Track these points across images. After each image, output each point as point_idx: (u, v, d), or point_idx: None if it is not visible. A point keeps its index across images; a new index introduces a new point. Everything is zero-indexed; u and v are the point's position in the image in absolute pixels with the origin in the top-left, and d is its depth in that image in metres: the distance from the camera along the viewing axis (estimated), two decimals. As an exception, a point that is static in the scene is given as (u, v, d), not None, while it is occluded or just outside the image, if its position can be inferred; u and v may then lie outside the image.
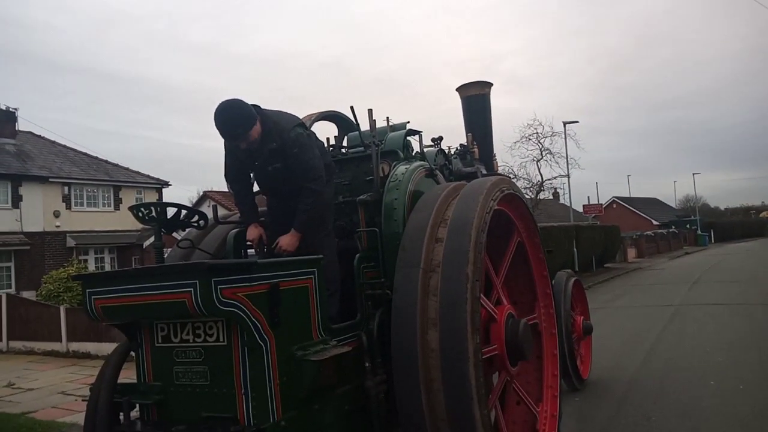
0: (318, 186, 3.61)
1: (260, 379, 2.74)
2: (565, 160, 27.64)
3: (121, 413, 3.07)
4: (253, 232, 3.86)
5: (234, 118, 3.45)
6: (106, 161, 26.85)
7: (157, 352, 3.06)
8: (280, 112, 3.77)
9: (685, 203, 75.15)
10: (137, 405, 3.11)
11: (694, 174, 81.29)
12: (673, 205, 70.65)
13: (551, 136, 28.05)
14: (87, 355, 11.54)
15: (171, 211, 3.42)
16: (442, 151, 5.29)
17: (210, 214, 4.21)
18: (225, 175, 3.97)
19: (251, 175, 3.95)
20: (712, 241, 52.34)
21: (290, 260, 3.21)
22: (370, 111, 4.27)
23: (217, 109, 3.43)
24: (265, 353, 2.77)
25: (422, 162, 4.46)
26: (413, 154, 4.77)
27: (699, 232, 51.52)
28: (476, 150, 6.12)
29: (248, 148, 3.60)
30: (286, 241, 3.61)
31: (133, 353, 3.19)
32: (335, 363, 3.04)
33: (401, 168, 4.18)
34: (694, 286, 17.15)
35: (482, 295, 3.55)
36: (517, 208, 4.40)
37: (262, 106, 3.71)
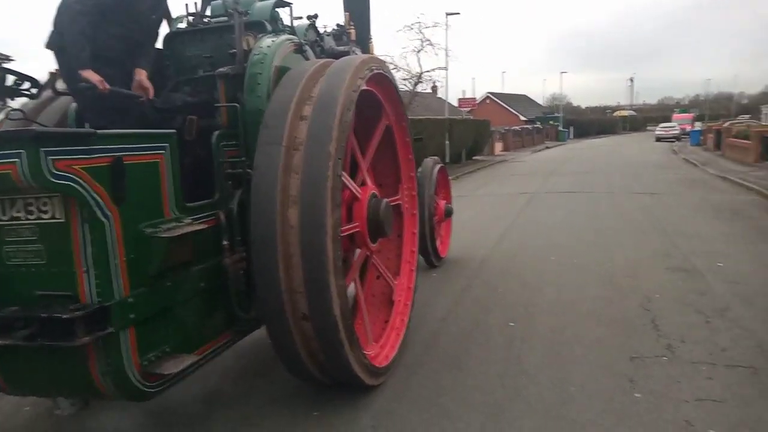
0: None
1: (103, 257, 2.59)
2: (445, 52, 27.81)
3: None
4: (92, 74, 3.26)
5: None
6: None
7: (-16, 231, 2.76)
8: None
9: (552, 101, 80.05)
10: None
11: (561, 73, 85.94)
12: (541, 103, 74.97)
13: (433, 27, 27.88)
14: None
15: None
16: (314, 26, 5.01)
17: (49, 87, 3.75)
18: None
19: None
20: (571, 137, 56.84)
21: (137, 133, 2.96)
22: (232, -27, 3.87)
23: None
24: (108, 229, 2.60)
25: (291, 36, 4.21)
26: (282, 27, 4.49)
27: (560, 128, 55.55)
28: (353, 31, 5.89)
29: None
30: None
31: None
32: (189, 241, 2.97)
33: (267, 41, 3.91)
34: (549, 177, 18.72)
35: (346, 175, 3.56)
36: (387, 89, 4.37)
37: None
